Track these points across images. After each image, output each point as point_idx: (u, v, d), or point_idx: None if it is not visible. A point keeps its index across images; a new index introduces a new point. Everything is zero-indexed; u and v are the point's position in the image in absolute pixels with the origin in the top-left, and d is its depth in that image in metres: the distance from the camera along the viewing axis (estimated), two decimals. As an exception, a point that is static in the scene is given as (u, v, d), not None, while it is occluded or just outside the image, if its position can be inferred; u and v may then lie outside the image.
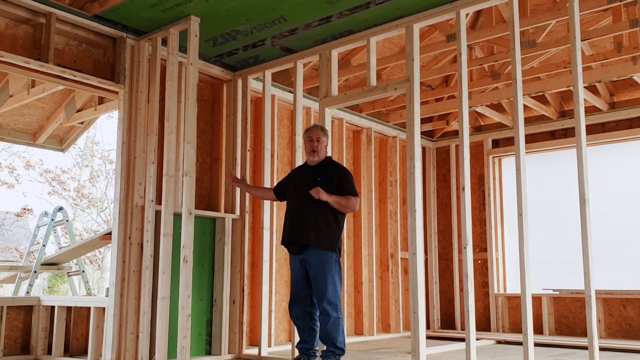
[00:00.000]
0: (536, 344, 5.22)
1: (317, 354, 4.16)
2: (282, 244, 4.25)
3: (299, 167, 4.52)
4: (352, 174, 4.28)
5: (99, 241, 6.70)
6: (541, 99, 6.76)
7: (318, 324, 4.10)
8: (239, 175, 5.17)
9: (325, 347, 4.05)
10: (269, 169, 5.27)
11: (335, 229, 4.07)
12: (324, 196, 3.98)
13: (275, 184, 4.83)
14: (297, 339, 4.66)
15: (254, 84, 5.56)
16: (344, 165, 6.46)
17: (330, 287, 3.99)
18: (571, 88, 5.73)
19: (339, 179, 4.12)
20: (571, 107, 6.84)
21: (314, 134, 4.24)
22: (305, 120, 5.98)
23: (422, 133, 7.76)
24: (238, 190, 5.31)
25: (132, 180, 4.57)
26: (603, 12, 5.14)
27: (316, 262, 4.02)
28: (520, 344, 5.55)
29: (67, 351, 5.07)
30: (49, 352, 5.02)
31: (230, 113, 5.43)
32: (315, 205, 4.03)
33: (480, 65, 5.74)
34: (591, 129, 6.62)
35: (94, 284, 16.81)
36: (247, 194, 5.33)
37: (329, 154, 4.37)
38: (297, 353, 4.26)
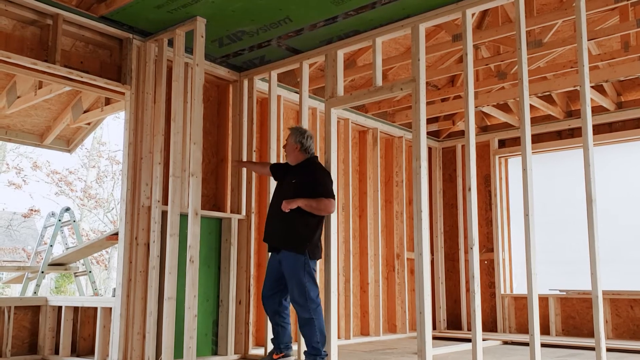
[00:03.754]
0: (543, 345, 5.20)
1: (290, 347, 4.43)
2: (263, 241, 4.54)
3: (286, 163, 4.64)
4: (329, 175, 4.43)
5: (105, 241, 6.72)
6: (548, 99, 6.73)
7: (288, 320, 4.39)
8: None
9: (305, 347, 4.27)
10: (274, 170, 5.27)
11: (304, 234, 4.21)
12: (293, 205, 4.15)
13: (276, 162, 5.04)
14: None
15: (260, 85, 5.57)
16: (349, 165, 6.48)
17: (296, 289, 4.16)
18: (578, 88, 5.71)
19: (313, 181, 4.25)
20: (578, 107, 6.82)
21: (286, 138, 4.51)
22: (311, 120, 5.99)
23: (428, 133, 7.75)
24: (244, 190, 5.32)
25: (138, 181, 4.58)
26: (610, 11, 5.12)
27: (287, 264, 4.22)
28: (526, 344, 5.54)
29: (74, 351, 5.09)
30: (56, 352, 5.05)
31: (236, 113, 5.44)
32: (287, 211, 4.19)
33: (487, 65, 5.73)
34: (598, 129, 6.59)
35: (101, 284, 16.87)
36: (253, 195, 5.34)
37: (312, 153, 4.46)
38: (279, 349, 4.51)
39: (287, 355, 4.40)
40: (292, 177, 4.36)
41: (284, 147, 4.50)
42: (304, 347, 4.36)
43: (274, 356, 4.40)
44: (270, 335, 5.01)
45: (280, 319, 4.38)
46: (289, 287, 4.25)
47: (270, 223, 4.41)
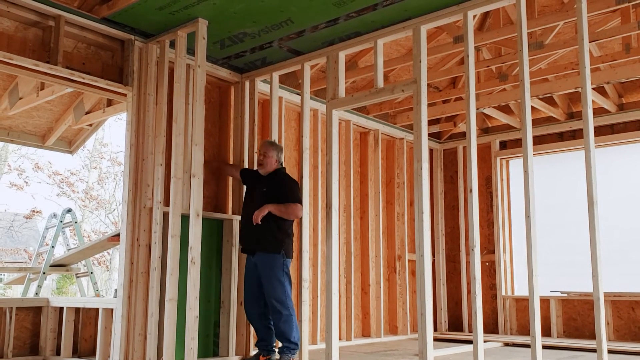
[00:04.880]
0: (544, 347, 5.19)
1: (275, 349, 4.60)
2: (240, 249, 4.84)
3: (256, 171, 4.87)
4: (297, 183, 4.78)
5: (107, 243, 6.73)
6: (549, 101, 6.73)
7: (272, 321, 4.55)
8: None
9: (281, 343, 4.46)
10: (276, 171, 5.28)
11: (278, 235, 4.53)
12: (263, 212, 4.45)
13: (245, 168, 5.23)
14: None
15: (262, 86, 5.57)
16: (351, 166, 6.50)
17: (277, 287, 4.44)
18: (579, 89, 5.71)
19: (282, 188, 4.59)
20: (579, 109, 6.81)
21: (262, 148, 4.79)
22: (312, 122, 5.99)
23: (430, 135, 7.75)
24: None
25: (140, 182, 4.59)
26: (611, 13, 5.12)
27: (264, 264, 4.51)
28: (528, 346, 5.53)
29: (75, 352, 5.09)
30: (58, 353, 5.05)
31: (237, 115, 5.44)
32: (258, 221, 4.48)
33: (488, 66, 5.73)
34: (599, 131, 6.59)
35: (102, 286, 16.89)
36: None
37: (283, 166, 4.84)
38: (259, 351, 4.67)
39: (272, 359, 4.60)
40: (262, 186, 4.67)
41: (263, 158, 4.71)
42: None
43: (261, 358, 4.56)
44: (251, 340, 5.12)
45: (267, 320, 4.60)
46: (267, 286, 4.48)
47: (245, 228, 4.68)
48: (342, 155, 6.51)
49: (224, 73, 5.38)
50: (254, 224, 4.47)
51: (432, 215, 7.75)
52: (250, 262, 4.63)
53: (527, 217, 3.81)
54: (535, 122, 6.97)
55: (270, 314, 4.55)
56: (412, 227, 7.17)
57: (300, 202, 4.66)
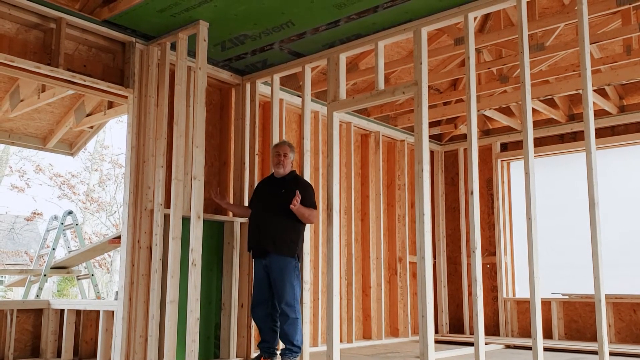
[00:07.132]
0: (545, 349, 5.19)
1: (277, 352, 4.57)
2: (248, 250, 4.74)
3: (265, 179, 4.90)
4: (313, 188, 4.72)
5: (108, 245, 6.73)
6: (550, 103, 6.73)
7: (278, 324, 4.51)
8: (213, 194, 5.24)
9: (284, 345, 4.44)
10: (277, 173, 5.27)
11: (294, 238, 4.51)
12: (298, 203, 4.34)
13: (249, 201, 5.09)
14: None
15: (262, 88, 5.58)
16: (352, 168, 6.50)
17: (289, 290, 4.41)
18: (580, 91, 5.71)
19: (303, 192, 4.46)
20: (580, 111, 6.81)
21: (281, 149, 4.69)
22: (313, 124, 5.99)
23: (431, 137, 7.75)
24: (246, 193, 5.32)
25: (141, 184, 4.59)
26: (612, 15, 5.11)
27: (276, 267, 4.44)
28: (529, 348, 5.52)
29: (76, 354, 5.09)
30: (59, 355, 5.05)
31: (238, 117, 5.44)
32: (277, 215, 4.49)
33: (489, 68, 5.73)
34: (600, 133, 6.59)
35: (103, 288, 16.89)
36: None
37: (294, 168, 4.82)
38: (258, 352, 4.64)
39: None
40: (279, 187, 4.59)
41: (284, 159, 4.64)
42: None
43: (262, 359, 4.53)
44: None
45: (273, 322, 4.55)
46: (279, 289, 4.43)
47: (257, 229, 4.57)
48: (343, 157, 6.51)
49: (224, 75, 5.39)
50: (290, 207, 4.33)
51: (433, 218, 7.75)
52: (260, 263, 4.54)
53: (528, 219, 3.81)
54: (536, 124, 6.97)
55: (277, 316, 4.52)
56: (413, 229, 7.17)
57: (317, 208, 4.64)
